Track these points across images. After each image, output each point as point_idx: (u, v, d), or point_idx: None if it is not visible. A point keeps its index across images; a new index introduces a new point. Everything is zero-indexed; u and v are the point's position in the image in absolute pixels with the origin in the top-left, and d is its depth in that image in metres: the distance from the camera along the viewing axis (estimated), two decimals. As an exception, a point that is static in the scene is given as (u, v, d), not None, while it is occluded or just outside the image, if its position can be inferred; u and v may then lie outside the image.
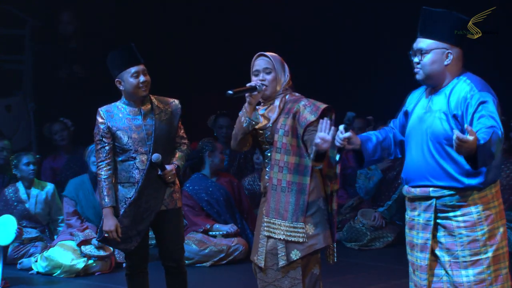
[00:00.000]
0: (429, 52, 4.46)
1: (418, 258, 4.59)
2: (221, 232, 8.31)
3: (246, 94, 4.93)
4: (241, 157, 9.92)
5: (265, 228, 4.98)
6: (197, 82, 11.02)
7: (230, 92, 4.84)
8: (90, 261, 7.93)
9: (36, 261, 8.06)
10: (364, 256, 8.64)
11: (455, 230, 4.46)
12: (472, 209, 4.44)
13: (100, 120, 5.68)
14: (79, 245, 7.95)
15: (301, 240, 4.89)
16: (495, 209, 4.48)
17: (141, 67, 5.65)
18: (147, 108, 5.72)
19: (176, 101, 5.84)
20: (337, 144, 4.56)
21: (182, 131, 5.85)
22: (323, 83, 10.59)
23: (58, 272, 7.93)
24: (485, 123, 4.25)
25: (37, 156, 8.73)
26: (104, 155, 5.66)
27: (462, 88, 4.43)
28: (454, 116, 4.39)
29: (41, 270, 8.00)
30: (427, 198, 4.51)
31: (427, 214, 4.53)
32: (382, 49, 10.52)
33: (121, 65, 5.64)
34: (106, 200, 5.64)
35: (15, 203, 8.47)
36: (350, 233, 9.02)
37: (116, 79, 5.67)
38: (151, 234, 5.90)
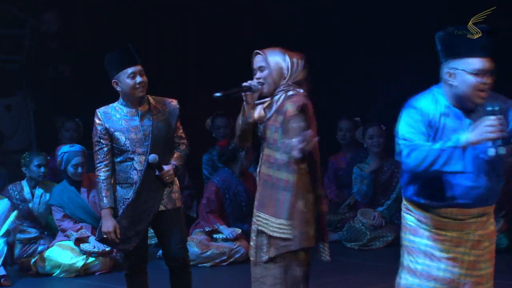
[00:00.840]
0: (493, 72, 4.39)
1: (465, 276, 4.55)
2: (222, 236, 8.32)
3: (243, 94, 4.96)
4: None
5: (255, 221, 5.04)
6: (194, 83, 11.01)
7: (218, 94, 4.88)
8: (90, 259, 7.93)
9: (36, 261, 8.05)
10: (364, 256, 8.64)
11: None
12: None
13: (97, 121, 5.70)
14: (76, 243, 7.96)
15: (284, 236, 4.93)
16: None
17: (138, 67, 5.65)
18: (145, 108, 5.72)
19: (174, 102, 5.84)
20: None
21: (180, 131, 5.85)
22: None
23: (58, 271, 7.94)
24: None
25: (48, 157, 8.74)
26: (102, 156, 5.68)
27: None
28: None
29: (40, 270, 8.00)
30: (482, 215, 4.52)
31: (480, 231, 4.53)
32: (385, 50, 10.52)
33: (118, 66, 5.64)
34: (104, 201, 5.66)
35: (18, 202, 8.48)
36: (350, 233, 9.03)
37: (113, 80, 5.67)
38: (150, 234, 5.91)
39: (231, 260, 8.28)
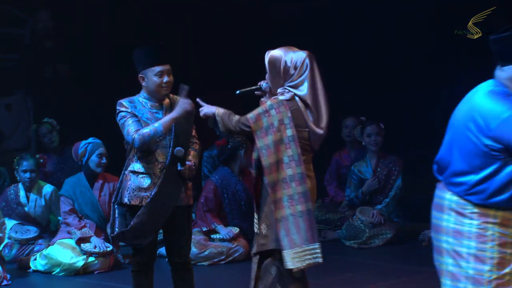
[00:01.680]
0: None
1: None
2: (219, 236, 8.33)
3: (256, 93, 5.18)
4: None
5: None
6: (193, 82, 11.01)
7: (237, 92, 5.17)
8: (90, 259, 7.92)
9: (35, 260, 8.05)
10: (364, 254, 8.63)
11: None
12: None
13: (123, 108, 5.68)
14: (77, 243, 7.96)
15: (256, 231, 5.06)
16: None
17: (166, 67, 5.70)
18: (167, 103, 5.75)
19: (190, 101, 5.84)
20: None
21: (194, 131, 5.88)
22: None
23: (58, 270, 7.92)
24: None
25: (41, 160, 8.72)
26: (137, 126, 5.60)
27: None
28: None
29: (40, 268, 7.99)
30: None
31: None
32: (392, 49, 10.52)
33: (146, 62, 5.68)
34: (157, 124, 5.56)
35: (14, 205, 8.49)
36: (349, 231, 9.02)
37: (140, 75, 5.70)
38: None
39: (230, 259, 8.26)
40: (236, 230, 8.34)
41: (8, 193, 8.55)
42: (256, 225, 5.13)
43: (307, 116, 5.05)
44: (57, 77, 10.48)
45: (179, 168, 5.63)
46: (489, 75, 4.60)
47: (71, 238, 8.00)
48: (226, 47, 10.89)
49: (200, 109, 5.28)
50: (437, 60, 10.18)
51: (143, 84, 5.72)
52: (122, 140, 5.85)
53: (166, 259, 7.84)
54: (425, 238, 8.87)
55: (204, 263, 8.20)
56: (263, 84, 5.16)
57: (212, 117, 5.17)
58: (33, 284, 7.85)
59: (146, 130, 5.55)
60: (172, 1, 11.06)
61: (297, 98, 5.05)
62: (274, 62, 5.07)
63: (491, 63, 4.33)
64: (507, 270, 4.27)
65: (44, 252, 8.00)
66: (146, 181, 5.67)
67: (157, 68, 5.66)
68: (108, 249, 7.97)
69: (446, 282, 4.38)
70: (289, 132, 4.97)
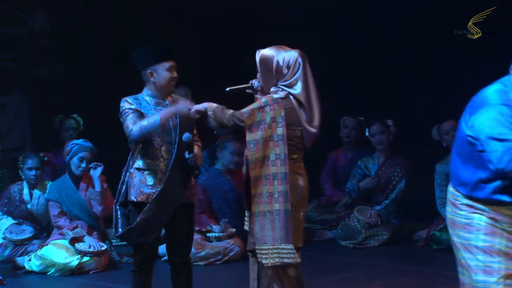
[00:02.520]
0: None
1: None
2: (215, 235, 8.29)
3: (247, 91, 5.18)
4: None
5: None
6: (193, 82, 11.00)
7: (227, 89, 5.16)
8: (85, 259, 7.90)
9: (30, 260, 8.03)
10: (359, 254, 8.60)
11: None
12: None
13: (128, 105, 5.67)
14: (71, 243, 7.93)
15: (246, 228, 5.06)
16: None
17: (174, 63, 5.71)
18: (170, 101, 5.75)
19: (189, 102, 5.80)
20: None
21: (195, 130, 5.85)
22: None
23: (52, 270, 7.90)
24: None
25: (45, 158, 8.69)
26: (134, 120, 5.59)
27: None
28: None
29: (35, 269, 7.97)
30: None
31: None
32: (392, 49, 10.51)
33: (156, 58, 5.67)
34: (155, 116, 5.56)
35: (17, 203, 8.50)
36: (345, 231, 8.98)
37: (148, 71, 5.67)
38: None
39: (226, 258, 8.24)
40: (233, 230, 8.32)
41: (11, 191, 8.58)
42: (247, 223, 5.15)
43: (300, 114, 5.06)
44: (54, 77, 10.46)
45: (187, 156, 5.60)
46: (491, 75, 4.56)
47: (65, 239, 7.98)
48: (226, 47, 10.87)
49: (192, 109, 5.28)
50: (437, 60, 10.17)
51: (151, 79, 5.70)
52: (119, 140, 5.82)
53: (161, 259, 7.91)
54: (420, 238, 8.88)
55: (200, 263, 8.17)
56: (254, 82, 5.18)
57: (203, 112, 5.14)
58: (28, 284, 7.83)
59: (144, 123, 5.55)
60: (172, 1, 11.04)
61: (291, 97, 5.06)
62: (266, 61, 5.08)
63: (493, 63, 4.30)
64: (496, 258, 4.27)
65: (39, 252, 7.99)
66: (151, 178, 5.66)
67: (167, 64, 5.67)
68: (103, 248, 7.96)
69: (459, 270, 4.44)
70: (280, 130, 4.98)
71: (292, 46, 5.15)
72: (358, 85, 10.64)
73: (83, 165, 8.09)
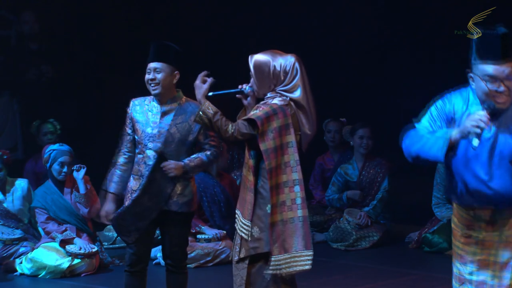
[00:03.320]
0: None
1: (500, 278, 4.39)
2: (205, 236, 8.29)
3: (237, 96, 5.12)
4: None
5: (236, 219, 5.12)
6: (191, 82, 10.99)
7: (209, 94, 5.11)
8: (76, 261, 7.87)
9: (21, 263, 7.99)
10: (351, 256, 8.63)
11: None
12: None
13: (128, 110, 5.81)
14: (61, 245, 7.91)
15: (245, 237, 4.97)
16: None
17: (154, 64, 5.69)
18: (169, 107, 5.73)
19: None
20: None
21: (209, 139, 5.81)
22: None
23: (43, 273, 7.87)
24: None
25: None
26: (124, 144, 5.82)
27: None
28: None
29: (26, 272, 7.94)
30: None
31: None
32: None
33: (147, 60, 5.74)
34: (112, 186, 5.82)
35: (-5, 205, 8.43)
36: (335, 233, 9.00)
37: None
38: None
39: (216, 261, 8.24)
40: (223, 232, 8.33)
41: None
42: (240, 228, 5.05)
43: (300, 119, 5.07)
44: (42, 79, 10.42)
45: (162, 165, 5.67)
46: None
47: (55, 242, 7.96)
48: (225, 47, 10.87)
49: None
50: (429, 61, 10.20)
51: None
52: (109, 143, 5.87)
53: (153, 262, 7.89)
54: (411, 240, 8.91)
55: (190, 265, 8.15)
56: (246, 87, 5.12)
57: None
58: (19, 287, 7.79)
59: (113, 169, 5.81)
60: (162, 2, 11.03)
61: (291, 102, 5.04)
62: (261, 67, 5.03)
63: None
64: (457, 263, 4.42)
65: (29, 255, 7.96)
66: (136, 183, 5.74)
67: (149, 65, 5.73)
68: (93, 250, 7.94)
69: None
70: (291, 137, 4.99)
71: (292, 47, 5.15)
72: (349, 88, 10.62)
73: (65, 169, 8.07)
